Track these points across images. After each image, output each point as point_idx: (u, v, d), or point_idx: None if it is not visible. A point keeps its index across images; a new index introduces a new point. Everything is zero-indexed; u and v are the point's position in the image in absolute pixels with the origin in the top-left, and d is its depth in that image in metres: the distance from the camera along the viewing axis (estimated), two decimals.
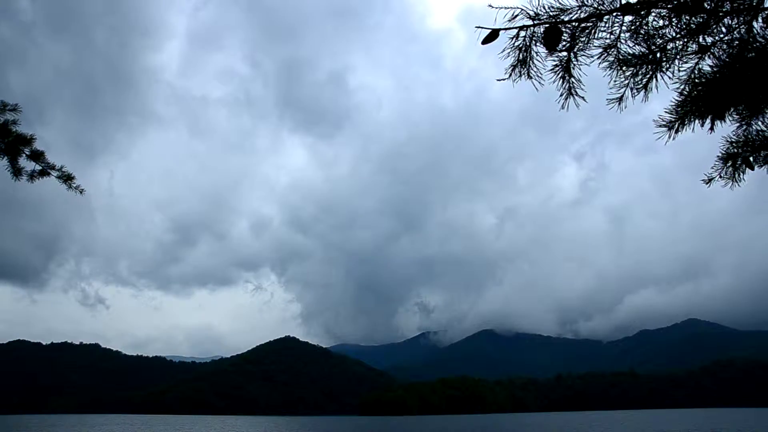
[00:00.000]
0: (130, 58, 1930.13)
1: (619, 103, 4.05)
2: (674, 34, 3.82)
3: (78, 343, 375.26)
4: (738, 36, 3.80)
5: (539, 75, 3.80)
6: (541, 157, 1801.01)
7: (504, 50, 3.71)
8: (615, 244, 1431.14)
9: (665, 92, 4.09)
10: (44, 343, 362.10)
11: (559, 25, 3.64)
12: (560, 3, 3.61)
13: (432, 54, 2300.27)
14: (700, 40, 3.85)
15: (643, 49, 3.87)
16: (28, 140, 6.77)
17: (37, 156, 6.71)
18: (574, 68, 3.86)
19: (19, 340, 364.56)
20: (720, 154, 4.51)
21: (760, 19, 3.71)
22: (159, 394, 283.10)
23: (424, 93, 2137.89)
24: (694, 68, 3.95)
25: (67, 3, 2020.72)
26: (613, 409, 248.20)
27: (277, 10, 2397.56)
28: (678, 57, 3.91)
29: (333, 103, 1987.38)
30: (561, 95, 3.93)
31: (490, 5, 3.52)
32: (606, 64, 3.90)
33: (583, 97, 3.94)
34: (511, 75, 3.81)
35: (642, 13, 3.71)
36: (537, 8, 3.60)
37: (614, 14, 3.68)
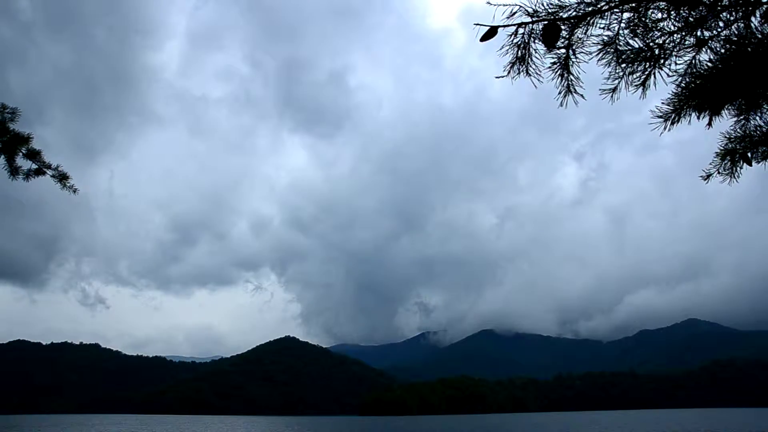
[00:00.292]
0: (130, 58, 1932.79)
1: (612, 95, 4.04)
2: (672, 28, 3.82)
3: (78, 343, 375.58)
4: (736, 31, 3.80)
5: (538, 72, 3.80)
6: (542, 156, 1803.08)
7: (503, 47, 3.71)
8: (615, 244, 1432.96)
9: (664, 91, 4.08)
10: (44, 343, 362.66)
11: (558, 22, 3.63)
12: (559, 0, 3.62)
13: (432, 54, 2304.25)
14: (698, 34, 3.85)
15: (641, 45, 3.87)
16: (25, 139, 6.74)
17: (33, 155, 6.68)
18: (572, 65, 3.85)
19: (18, 340, 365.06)
20: (718, 150, 4.49)
21: (758, 14, 3.70)
22: (159, 394, 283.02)
23: (424, 93, 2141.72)
24: (692, 61, 3.94)
25: (67, 3, 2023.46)
26: (613, 409, 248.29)
27: (277, 10, 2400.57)
28: (675, 51, 3.90)
29: (333, 103, 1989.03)
30: (560, 93, 3.92)
31: (488, 2, 3.53)
32: (605, 60, 3.89)
33: (581, 95, 3.92)
34: (509, 72, 3.81)
35: (641, 8, 3.71)
36: (536, 5, 3.59)
37: (613, 10, 3.68)
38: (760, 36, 3.75)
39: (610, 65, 3.92)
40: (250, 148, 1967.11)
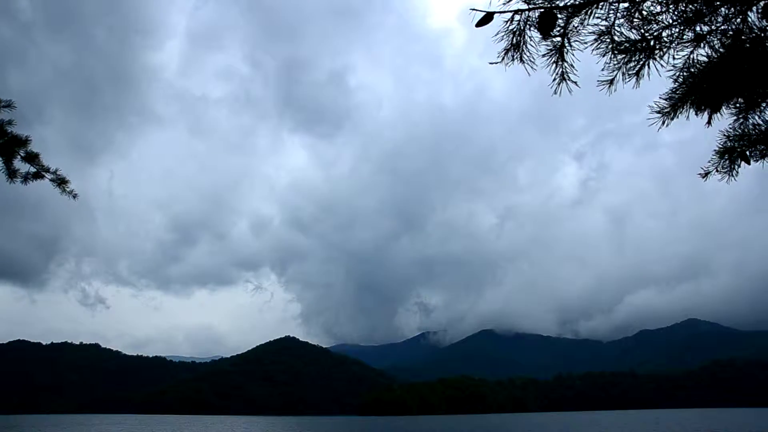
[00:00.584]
0: (130, 58, 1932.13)
1: (609, 86, 4.03)
2: (670, 21, 3.80)
3: (78, 343, 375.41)
4: (734, 26, 3.78)
5: (532, 60, 3.79)
6: (542, 156, 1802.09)
7: (498, 33, 3.70)
8: (615, 244, 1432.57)
9: (663, 87, 4.07)
10: (44, 343, 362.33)
11: (554, 10, 3.62)
12: None
13: (432, 53, 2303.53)
14: (696, 28, 3.84)
15: (637, 36, 3.85)
16: (23, 142, 6.68)
17: (32, 158, 6.59)
18: (567, 53, 3.83)
19: (18, 339, 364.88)
20: (717, 148, 4.49)
21: (755, 10, 3.69)
22: (159, 394, 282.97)
23: (425, 92, 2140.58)
24: (689, 57, 3.93)
25: (67, 3, 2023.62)
26: (613, 409, 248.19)
27: (277, 10, 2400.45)
28: (673, 45, 3.89)
29: (333, 103, 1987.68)
30: (554, 80, 3.90)
31: None
32: (600, 50, 3.88)
33: (575, 82, 3.89)
34: (504, 59, 3.80)
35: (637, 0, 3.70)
36: None
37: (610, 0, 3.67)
38: (757, 32, 3.73)
39: (605, 55, 3.90)
40: (250, 148, 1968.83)
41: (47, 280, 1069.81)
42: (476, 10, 3.46)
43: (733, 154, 4.44)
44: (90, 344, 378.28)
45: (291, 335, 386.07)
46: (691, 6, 3.72)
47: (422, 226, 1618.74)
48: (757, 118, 4.24)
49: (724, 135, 4.41)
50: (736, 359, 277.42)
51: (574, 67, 3.87)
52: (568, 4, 3.65)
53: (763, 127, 4.28)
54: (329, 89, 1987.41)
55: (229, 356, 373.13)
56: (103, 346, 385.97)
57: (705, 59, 3.92)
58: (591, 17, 3.73)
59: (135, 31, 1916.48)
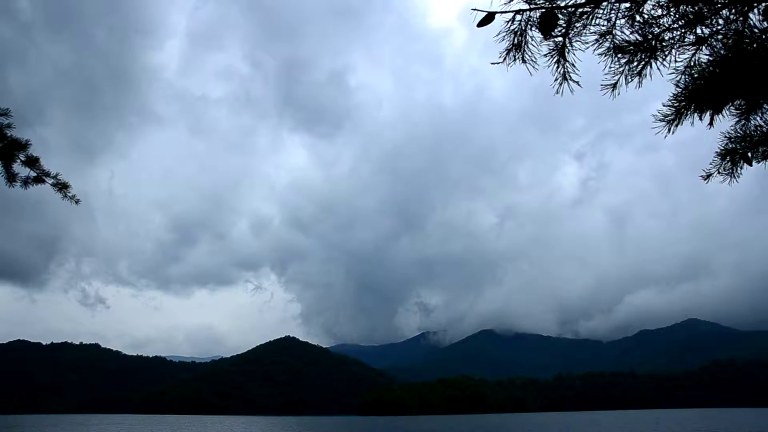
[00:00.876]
0: (130, 58, 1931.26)
1: (613, 90, 4.03)
2: (671, 24, 3.79)
3: (78, 343, 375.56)
4: (735, 28, 3.77)
5: (533, 59, 3.79)
6: (542, 156, 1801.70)
7: (499, 33, 3.71)
8: (615, 244, 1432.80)
9: (666, 91, 4.06)
10: (44, 343, 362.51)
11: (555, 10, 3.62)
12: None
13: (432, 53, 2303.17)
14: (698, 31, 3.82)
15: (638, 37, 3.84)
16: (23, 145, 6.63)
17: (32, 162, 6.54)
18: (569, 53, 3.82)
19: (18, 339, 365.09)
20: (719, 150, 4.48)
21: (756, 12, 3.68)
22: (159, 394, 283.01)
23: (425, 92, 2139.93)
24: (691, 59, 3.91)
25: (67, 2, 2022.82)
26: (613, 409, 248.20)
27: (277, 10, 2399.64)
28: (675, 47, 3.88)
29: (333, 103, 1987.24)
30: (555, 80, 3.89)
31: None
32: (602, 50, 3.88)
33: (577, 82, 3.89)
34: (505, 59, 3.81)
35: (639, 0, 3.70)
36: None
37: (611, 0, 3.67)
38: (759, 33, 3.71)
39: (607, 55, 3.90)
40: (250, 148, 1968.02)
41: (47, 280, 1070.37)
42: (477, 10, 3.47)
43: (735, 155, 4.43)
44: (90, 344, 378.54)
45: (291, 335, 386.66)
46: (691, 8, 3.71)
47: (422, 226, 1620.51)
48: (758, 119, 4.22)
49: (726, 136, 4.40)
50: (736, 359, 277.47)
51: (575, 67, 3.86)
52: (569, 4, 3.65)
53: (765, 129, 4.25)
54: (329, 89, 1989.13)
55: (229, 356, 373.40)
56: (103, 346, 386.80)
57: (707, 61, 3.90)
58: (592, 17, 3.73)
59: (135, 31, 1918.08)
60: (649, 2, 3.71)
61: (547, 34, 3.69)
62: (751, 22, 3.71)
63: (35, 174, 6.54)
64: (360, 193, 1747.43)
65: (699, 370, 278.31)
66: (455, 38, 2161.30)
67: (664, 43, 3.85)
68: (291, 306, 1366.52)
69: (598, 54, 3.89)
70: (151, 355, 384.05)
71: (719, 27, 3.79)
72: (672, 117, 4.12)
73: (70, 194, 6.70)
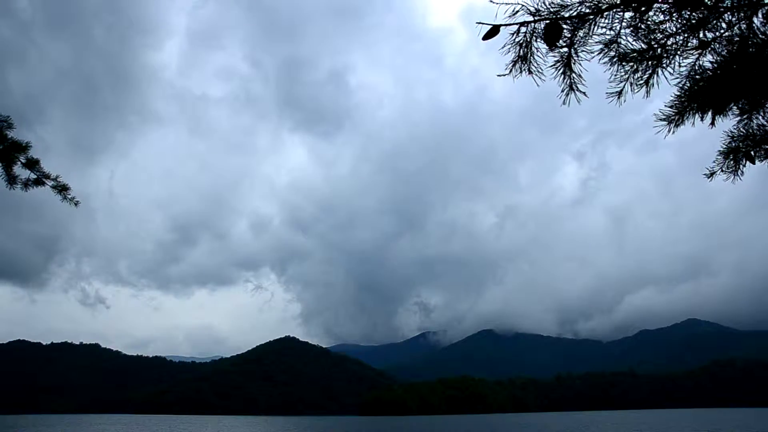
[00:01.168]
0: (130, 57, 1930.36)
1: (618, 98, 4.06)
2: (675, 30, 3.82)
3: (78, 343, 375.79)
4: (738, 32, 3.80)
5: (540, 70, 3.81)
6: (542, 156, 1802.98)
7: (504, 46, 3.73)
8: (615, 244, 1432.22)
9: (667, 90, 4.09)
10: (44, 343, 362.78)
11: (560, 21, 3.65)
12: None
13: (433, 53, 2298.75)
14: (701, 35, 3.85)
15: (643, 45, 3.87)
16: (23, 147, 6.64)
17: (32, 164, 6.56)
18: (574, 64, 3.85)
19: (19, 340, 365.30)
20: (721, 149, 4.53)
21: (760, 15, 3.71)
22: (159, 394, 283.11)
23: (425, 92, 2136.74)
24: (695, 63, 3.95)
25: (67, 2, 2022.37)
26: (613, 409, 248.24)
27: (278, 9, 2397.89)
28: (679, 53, 3.91)
29: (333, 103, 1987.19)
30: (562, 91, 3.93)
31: (491, 0, 3.54)
32: (607, 59, 3.90)
33: (584, 93, 3.93)
34: (511, 71, 3.83)
35: (642, 8, 3.71)
36: (538, 4, 3.61)
37: (615, 9, 3.69)
38: (762, 37, 3.75)
39: (612, 64, 3.92)
40: (250, 148, 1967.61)
41: (47, 280, 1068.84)
42: (482, 23, 3.49)
43: (738, 154, 4.49)
44: (90, 344, 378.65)
45: (291, 335, 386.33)
46: (695, 13, 3.73)
47: (422, 226, 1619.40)
48: (761, 118, 4.27)
49: (729, 135, 4.45)
50: (736, 359, 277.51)
51: (582, 77, 3.89)
52: (573, 14, 3.67)
53: (767, 128, 4.30)
54: (329, 89, 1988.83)
55: (229, 356, 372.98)
56: (103, 346, 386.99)
57: (710, 65, 3.94)
58: (596, 27, 3.75)
59: (135, 30, 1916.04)
60: (651, 9, 3.75)
61: (552, 45, 3.72)
62: (755, 25, 3.75)
63: (35, 176, 6.58)
64: (360, 193, 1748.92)
65: (699, 370, 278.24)
66: (455, 38, 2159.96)
67: (668, 50, 3.88)
68: (291, 306, 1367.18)
69: (604, 63, 3.90)
70: (151, 355, 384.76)
71: (722, 31, 3.81)
72: (674, 117, 4.16)
73: (69, 196, 6.74)
